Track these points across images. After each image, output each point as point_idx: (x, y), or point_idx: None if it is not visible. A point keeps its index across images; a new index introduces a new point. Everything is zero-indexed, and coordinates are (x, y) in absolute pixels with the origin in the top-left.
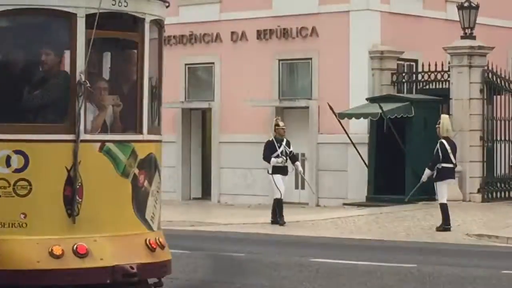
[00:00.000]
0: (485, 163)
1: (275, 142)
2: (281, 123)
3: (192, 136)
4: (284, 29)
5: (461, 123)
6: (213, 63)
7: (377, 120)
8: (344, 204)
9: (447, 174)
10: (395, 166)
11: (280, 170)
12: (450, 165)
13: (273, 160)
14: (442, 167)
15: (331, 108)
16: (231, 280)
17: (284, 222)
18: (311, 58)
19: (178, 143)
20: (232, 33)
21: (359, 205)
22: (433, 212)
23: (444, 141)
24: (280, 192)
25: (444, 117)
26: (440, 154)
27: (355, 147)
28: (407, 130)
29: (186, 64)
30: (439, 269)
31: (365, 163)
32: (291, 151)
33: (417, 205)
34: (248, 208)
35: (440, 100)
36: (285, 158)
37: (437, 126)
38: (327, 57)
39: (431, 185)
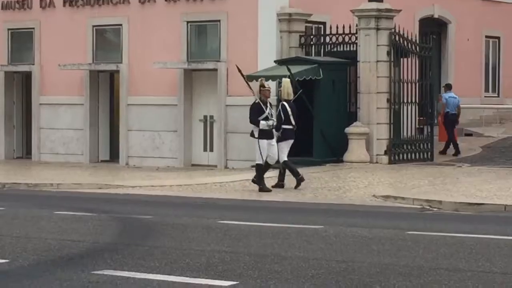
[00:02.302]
0: (392, 125)
1: (261, 104)
2: (266, 85)
3: (100, 98)
4: None
5: (368, 86)
6: (121, 25)
7: None
8: (253, 166)
9: (288, 135)
10: (303, 128)
11: (266, 134)
12: (290, 127)
13: (262, 123)
14: (283, 128)
15: (239, 70)
16: (139, 242)
17: (265, 188)
18: (219, 20)
19: (86, 105)
20: None
21: None
22: (340, 173)
23: (285, 103)
24: (262, 158)
25: (285, 81)
26: (282, 116)
27: None
28: (315, 93)
29: (93, 26)
30: (346, 230)
31: None
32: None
33: (325, 167)
34: (156, 171)
35: (348, 62)
36: (274, 120)
37: (279, 89)
38: (236, 19)
39: (338, 147)
